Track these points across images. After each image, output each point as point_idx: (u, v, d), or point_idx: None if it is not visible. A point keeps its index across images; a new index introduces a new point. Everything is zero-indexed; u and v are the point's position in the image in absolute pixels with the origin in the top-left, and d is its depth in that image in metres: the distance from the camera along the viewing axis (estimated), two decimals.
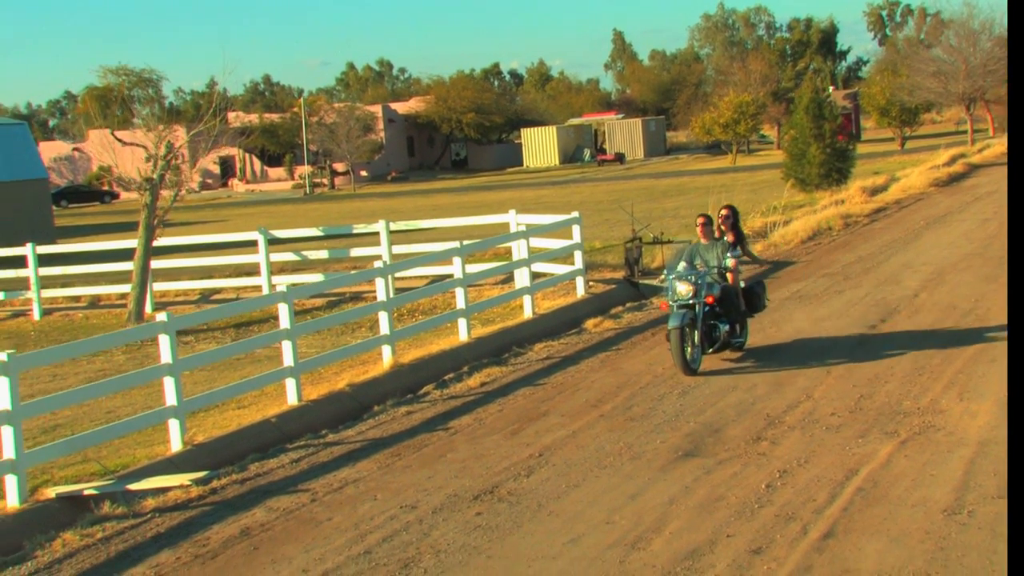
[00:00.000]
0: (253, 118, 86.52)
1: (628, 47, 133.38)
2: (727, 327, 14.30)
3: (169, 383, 12.81)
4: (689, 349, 13.86)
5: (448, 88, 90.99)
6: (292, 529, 9.67)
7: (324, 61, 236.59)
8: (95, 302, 27.18)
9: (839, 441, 10.77)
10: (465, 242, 18.42)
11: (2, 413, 11.05)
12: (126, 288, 24.73)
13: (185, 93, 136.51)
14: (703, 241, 14.72)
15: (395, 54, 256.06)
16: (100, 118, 72.09)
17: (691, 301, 13.91)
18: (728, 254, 14.55)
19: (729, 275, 14.51)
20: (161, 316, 13.02)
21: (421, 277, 23.79)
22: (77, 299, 27.46)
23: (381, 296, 16.36)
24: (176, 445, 12.69)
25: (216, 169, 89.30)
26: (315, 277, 23.98)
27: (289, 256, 25.84)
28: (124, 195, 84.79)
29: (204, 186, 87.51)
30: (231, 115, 77.36)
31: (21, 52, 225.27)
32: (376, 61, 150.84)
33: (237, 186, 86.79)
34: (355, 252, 25.07)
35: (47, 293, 26.67)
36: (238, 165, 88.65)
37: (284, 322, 14.57)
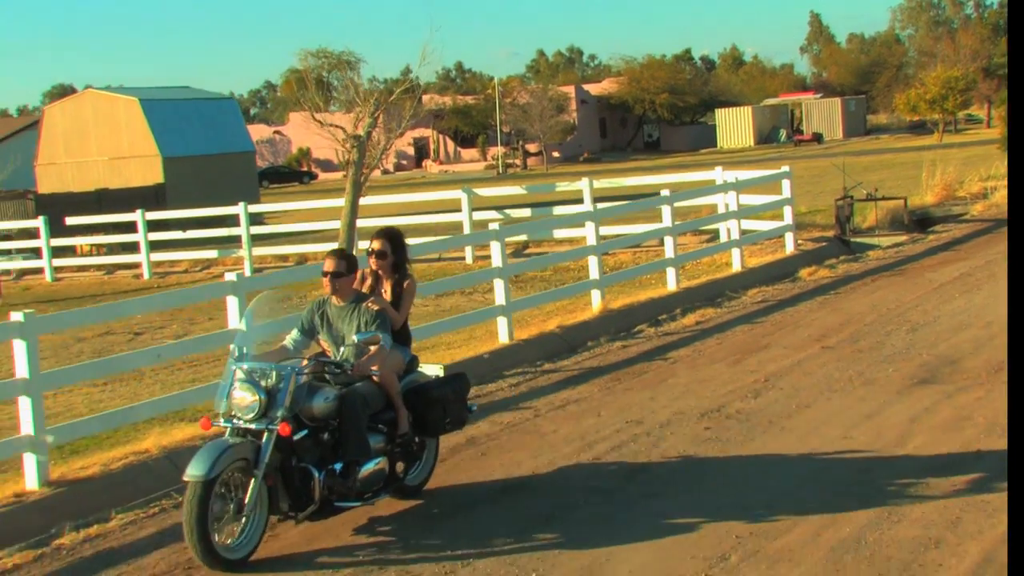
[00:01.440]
0: (447, 100, 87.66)
1: (825, 29, 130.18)
2: (342, 471, 7.57)
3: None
4: (227, 519, 7.22)
5: (641, 69, 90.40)
6: (518, 439, 9.63)
7: (514, 51, 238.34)
8: (302, 260, 27.82)
9: None
10: (673, 193, 18.15)
11: (231, 332, 11.36)
12: (332, 246, 25.26)
13: (379, 81, 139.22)
14: (335, 302, 8.13)
15: (585, 42, 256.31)
16: (300, 101, 74.42)
17: (255, 426, 7.34)
18: (373, 326, 7.90)
19: (372, 367, 7.90)
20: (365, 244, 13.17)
21: (623, 235, 23.58)
22: (285, 258, 28.18)
23: (591, 241, 16.25)
24: None
25: (411, 151, 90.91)
26: (519, 237, 23.98)
27: (492, 215, 25.96)
28: (322, 176, 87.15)
29: (399, 167, 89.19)
30: (425, 97, 78.58)
31: (225, 43, 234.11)
32: (566, 48, 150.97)
33: (431, 167, 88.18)
34: (558, 210, 25.02)
35: (257, 251, 27.45)
36: (432, 146, 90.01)
37: (496, 260, 14.59)
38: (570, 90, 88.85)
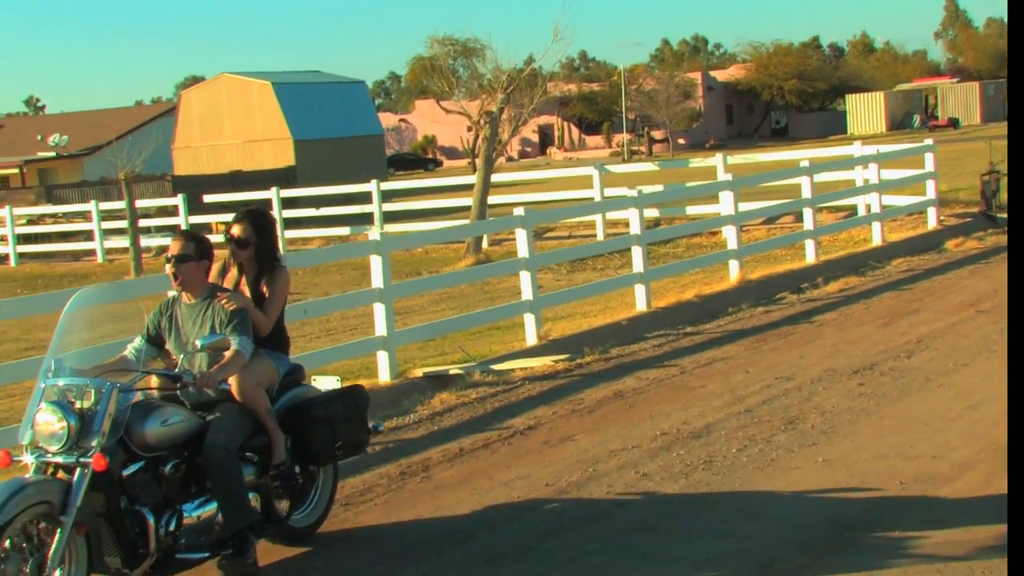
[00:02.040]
0: (572, 87, 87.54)
1: (962, 14, 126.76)
2: (189, 512, 6.10)
3: (526, 277, 12.94)
4: None
5: (769, 56, 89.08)
6: (665, 393, 9.55)
7: (637, 41, 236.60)
8: None
9: None
10: (813, 164, 17.83)
11: (374, 291, 11.46)
12: (464, 221, 25.36)
13: (501, 70, 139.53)
14: (185, 300, 6.57)
15: (709, 31, 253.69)
16: (430, 86, 75.31)
17: (63, 459, 5.78)
18: (227, 328, 6.40)
19: (222, 379, 6.33)
20: (518, 211, 13.19)
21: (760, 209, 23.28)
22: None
23: (729, 211, 16.03)
24: (531, 339, 12.81)
25: (535, 138, 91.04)
26: (651, 212, 23.79)
27: (624, 191, 25.79)
28: (447, 163, 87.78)
29: (523, 154, 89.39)
30: (550, 84, 78.58)
31: (348, 36, 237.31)
32: (691, 37, 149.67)
33: (555, 154, 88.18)
34: (691, 184, 24.77)
35: (388, 228, 27.70)
36: (556, 133, 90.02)
37: (635, 228, 14.49)
38: (696, 76, 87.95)
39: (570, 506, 6.91)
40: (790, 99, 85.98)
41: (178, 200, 30.72)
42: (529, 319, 12.85)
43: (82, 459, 5.67)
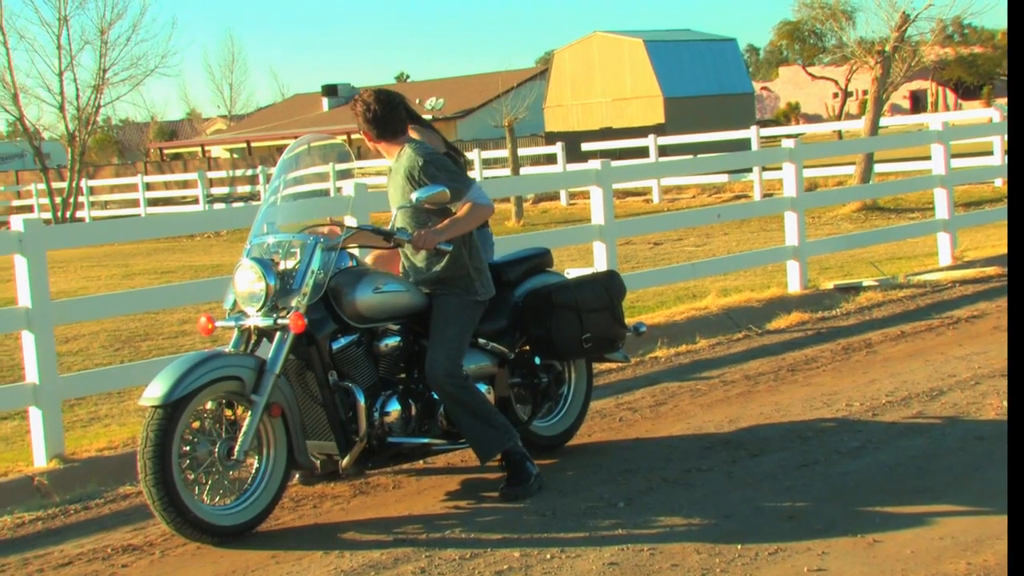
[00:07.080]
0: (949, 50, 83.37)
1: None
2: (397, 407, 5.41)
3: (941, 194, 12.49)
4: (215, 469, 5.08)
5: None
6: None
7: None
8: (813, 186, 27.31)
9: None
10: None
11: (786, 199, 11.31)
12: (849, 169, 24.66)
13: (866, 42, 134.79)
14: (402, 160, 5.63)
15: None
16: (793, 52, 73.94)
17: (262, 322, 5.22)
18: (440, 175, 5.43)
19: (444, 236, 5.48)
20: (934, 126, 12.70)
21: None
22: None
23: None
24: (944, 260, 12.33)
25: (906, 103, 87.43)
26: None
27: None
28: (810, 131, 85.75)
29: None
30: (925, 48, 75.04)
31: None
32: None
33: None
34: None
35: (767, 176, 27.25)
36: (930, 99, 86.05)
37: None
38: None
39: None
40: None
41: (556, 148, 31.52)
42: (943, 238, 12.39)
43: (280, 321, 5.10)
